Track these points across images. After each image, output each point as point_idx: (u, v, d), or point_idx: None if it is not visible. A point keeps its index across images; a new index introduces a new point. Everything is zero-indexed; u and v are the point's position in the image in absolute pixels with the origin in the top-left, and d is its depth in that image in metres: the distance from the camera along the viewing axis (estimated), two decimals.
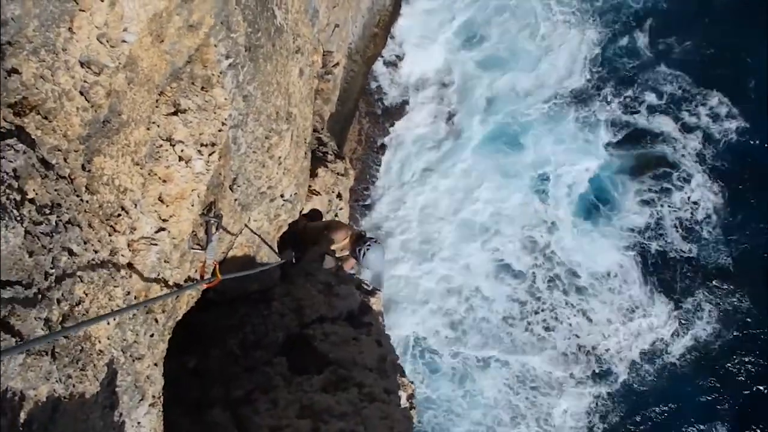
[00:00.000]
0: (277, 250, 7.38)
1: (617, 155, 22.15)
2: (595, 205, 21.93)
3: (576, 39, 22.43)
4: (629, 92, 22.35)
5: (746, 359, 21.27)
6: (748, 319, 21.42)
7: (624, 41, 22.72)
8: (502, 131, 21.80)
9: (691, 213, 21.98)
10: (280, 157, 6.49)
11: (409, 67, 20.85)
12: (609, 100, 22.30)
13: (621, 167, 22.16)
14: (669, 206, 21.93)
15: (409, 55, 20.90)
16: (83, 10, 2.88)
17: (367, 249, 7.56)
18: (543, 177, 21.78)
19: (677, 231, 21.82)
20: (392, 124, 20.69)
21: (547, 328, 20.85)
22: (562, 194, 21.70)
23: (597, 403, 20.84)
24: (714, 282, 21.66)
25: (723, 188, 22.01)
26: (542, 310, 20.88)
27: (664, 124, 22.12)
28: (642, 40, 22.66)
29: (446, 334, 20.20)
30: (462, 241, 20.82)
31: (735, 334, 21.32)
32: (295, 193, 7.41)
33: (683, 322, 21.34)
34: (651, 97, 22.25)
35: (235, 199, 5.69)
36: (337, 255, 8.27)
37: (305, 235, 8.44)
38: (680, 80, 22.37)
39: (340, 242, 8.32)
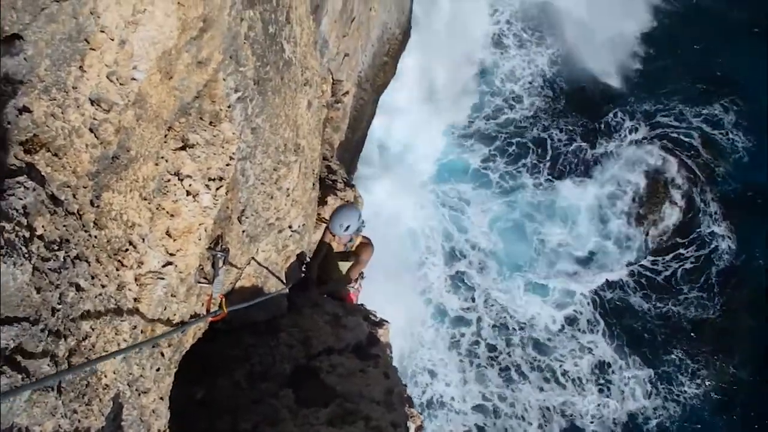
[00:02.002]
0: (284, 281, 7.41)
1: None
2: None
3: None
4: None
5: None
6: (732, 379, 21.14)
7: None
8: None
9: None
10: (288, 189, 6.52)
11: None
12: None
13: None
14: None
15: None
16: (94, 49, 2.93)
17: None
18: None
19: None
20: None
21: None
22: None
23: None
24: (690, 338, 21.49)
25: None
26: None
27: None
28: None
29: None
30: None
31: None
32: (303, 224, 7.44)
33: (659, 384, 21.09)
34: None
35: (243, 231, 5.72)
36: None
37: (325, 264, 8.53)
38: None
39: (366, 264, 8.42)
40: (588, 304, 21.54)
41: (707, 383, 20.95)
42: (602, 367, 20.95)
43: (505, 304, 21.14)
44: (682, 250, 22.22)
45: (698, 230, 22.38)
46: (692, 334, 21.41)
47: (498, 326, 20.90)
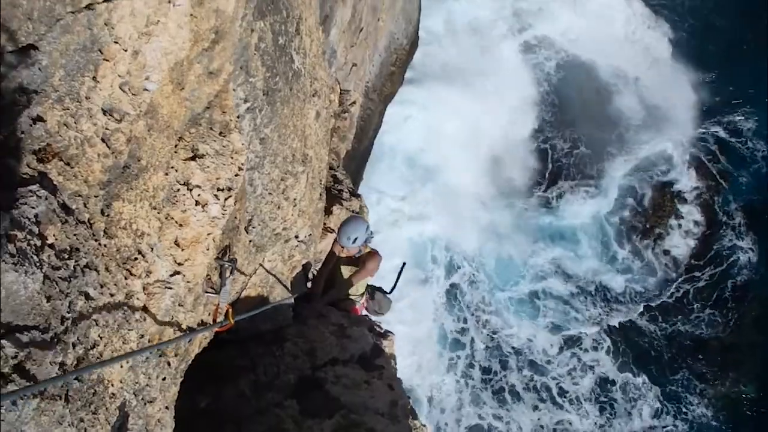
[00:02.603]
0: (290, 290, 7.42)
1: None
2: None
3: None
4: None
5: None
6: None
7: None
8: None
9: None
10: (295, 199, 6.54)
11: None
12: None
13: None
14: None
15: None
16: (107, 60, 2.95)
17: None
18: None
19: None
20: None
21: None
22: None
23: None
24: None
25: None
26: None
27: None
28: None
29: None
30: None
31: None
32: (310, 234, 7.45)
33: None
34: None
35: (250, 241, 5.74)
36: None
37: (332, 274, 8.56)
38: None
39: (374, 273, 8.43)
40: (591, 322, 21.42)
41: (716, 402, 20.78)
42: (605, 385, 20.79)
43: (500, 323, 21.02)
44: (692, 265, 22.11)
45: (712, 245, 22.25)
46: (700, 351, 21.24)
47: (494, 347, 20.77)
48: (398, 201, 21.11)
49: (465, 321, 20.79)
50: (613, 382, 20.88)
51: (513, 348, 20.83)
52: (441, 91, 22.20)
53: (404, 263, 8.98)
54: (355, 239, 7.94)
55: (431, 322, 20.49)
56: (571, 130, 23.55)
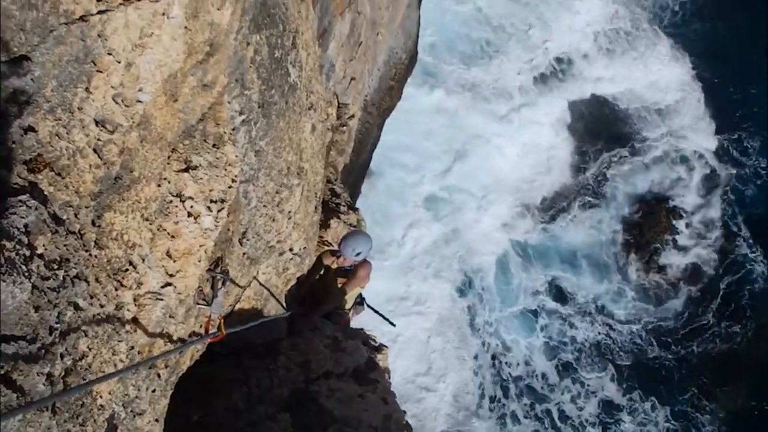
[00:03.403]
0: (285, 304, 7.42)
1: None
2: None
3: None
4: None
5: None
6: None
7: None
8: None
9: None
10: (290, 212, 6.54)
11: None
12: None
13: None
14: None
15: None
16: (101, 71, 2.96)
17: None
18: None
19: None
20: None
21: None
22: None
23: None
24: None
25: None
26: None
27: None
28: None
29: None
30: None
31: None
32: (305, 247, 7.45)
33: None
34: None
35: (244, 253, 5.73)
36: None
37: (324, 282, 8.60)
38: None
39: (365, 282, 8.49)
40: (595, 344, 21.31)
41: (728, 419, 20.63)
42: (610, 410, 20.64)
43: (499, 345, 20.92)
44: (695, 282, 22.04)
45: (716, 260, 22.22)
46: (709, 368, 21.11)
47: (494, 372, 20.65)
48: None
49: (465, 342, 20.67)
50: (619, 407, 20.76)
51: (512, 373, 20.71)
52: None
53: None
54: (359, 253, 8.00)
55: (430, 341, 20.39)
56: (574, 150, 23.53)
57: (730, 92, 24.54)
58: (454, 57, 23.57)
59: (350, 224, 10.38)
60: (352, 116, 14.42)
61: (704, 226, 22.76)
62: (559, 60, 24.59)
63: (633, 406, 20.68)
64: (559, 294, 21.86)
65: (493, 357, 20.74)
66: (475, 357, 20.58)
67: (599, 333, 21.48)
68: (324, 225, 9.69)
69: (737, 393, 20.94)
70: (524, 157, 22.95)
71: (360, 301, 9.02)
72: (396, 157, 21.24)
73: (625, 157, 23.61)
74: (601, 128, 24.03)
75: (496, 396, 20.39)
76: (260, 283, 6.45)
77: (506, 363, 20.73)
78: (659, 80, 24.75)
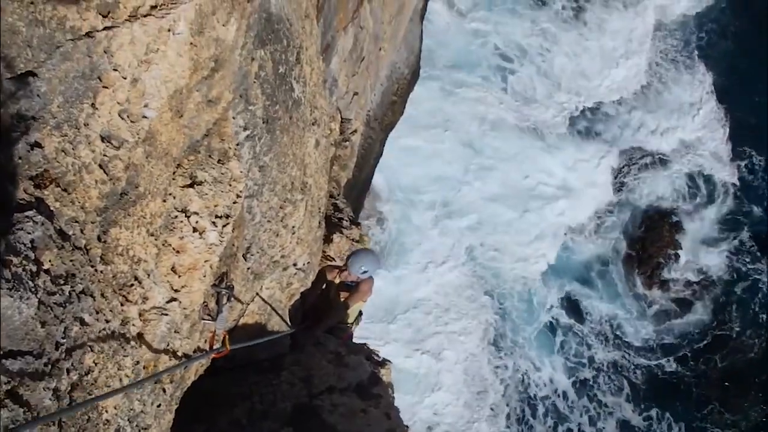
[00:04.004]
0: (288, 319, 7.42)
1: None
2: None
3: None
4: None
5: None
6: None
7: None
8: None
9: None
10: (294, 227, 6.55)
11: None
12: None
13: None
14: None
15: None
16: (106, 87, 2.98)
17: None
18: None
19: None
20: None
21: None
22: None
23: None
24: None
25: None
26: None
27: None
28: None
29: None
30: None
31: None
32: (308, 262, 7.45)
33: None
34: None
35: (248, 268, 5.74)
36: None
37: (325, 303, 8.63)
38: None
39: (367, 296, 8.54)
40: (608, 363, 21.22)
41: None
42: (627, 430, 20.57)
43: (514, 365, 20.84)
44: (704, 294, 21.96)
45: (727, 277, 22.14)
46: (727, 382, 20.98)
47: (511, 392, 20.54)
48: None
49: (484, 360, 20.58)
50: (636, 427, 20.66)
51: (530, 393, 20.61)
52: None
53: None
54: (365, 272, 8.08)
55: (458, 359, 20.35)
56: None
57: (740, 108, 24.57)
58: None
59: (353, 239, 10.38)
60: (355, 131, 14.45)
61: (710, 241, 22.73)
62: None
63: (650, 425, 20.58)
64: (574, 311, 21.75)
65: (508, 376, 20.63)
66: (498, 375, 20.50)
67: (613, 350, 21.37)
68: (327, 240, 9.68)
69: (755, 405, 20.83)
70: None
71: (360, 316, 9.06)
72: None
73: (641, 171, 23.57)
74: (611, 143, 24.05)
75: (511, 416, 20.29)
76: (264, 300, 6.45)
77: (531, 382, 20.63)
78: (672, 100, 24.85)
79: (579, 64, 24.37)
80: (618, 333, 21.63)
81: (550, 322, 21.51)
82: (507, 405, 20.24)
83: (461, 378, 19.92)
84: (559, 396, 20.70)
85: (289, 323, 7.38)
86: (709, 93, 24.86)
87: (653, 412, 20.73)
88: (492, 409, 20.01)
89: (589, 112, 24.21)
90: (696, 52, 25.60)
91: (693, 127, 24.41)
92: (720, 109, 24.60)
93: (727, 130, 24.24)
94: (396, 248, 20.58)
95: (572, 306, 21.84)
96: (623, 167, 23.67)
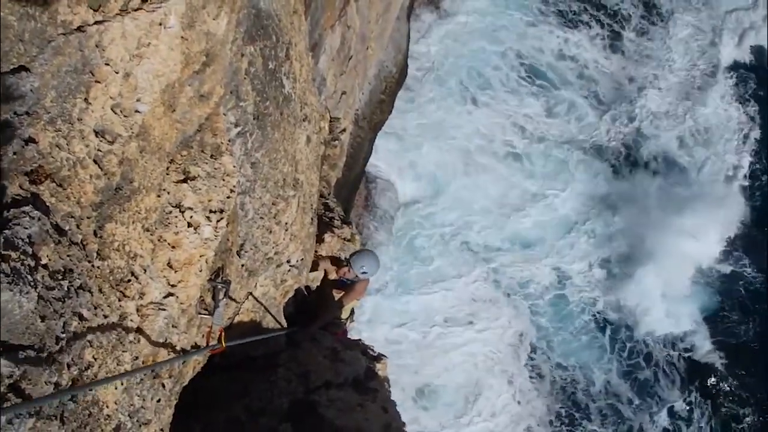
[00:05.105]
0: (283, 317, 7.43)
1: None
2: None
3: None
4: None
5: None
6: None
7: None
8: None
9: None
10: (286, 223, 6.55)
11: None
12: None
13: None
14: None
15: None
16: (99, 82, 2.98)
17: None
18: None
19: None
20: None
21: None
22: None
23: None
24: None
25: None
26: None
27: None
28: None
29: None
30: None
31: None
32: (302, 259, 7.46)
33: None
34: None
35: (242, 265, 5.74)
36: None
37: (320, 299, 8.69)
38: None
39: (362, 294, 8.61)
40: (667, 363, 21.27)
41: None
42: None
43: (567, 366, 20.89)
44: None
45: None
46: None
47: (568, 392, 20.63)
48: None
49: (527, 366, 20.59)
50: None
51: (584, 394, 20.57)
52: None
53: None
54: (365, 272, 8.21)
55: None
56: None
57: None
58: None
59: (344, 238, 10.38)
60: (344, 130, 14.44)
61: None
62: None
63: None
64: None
65: (564, 379, 20.67)
66: (542, 379, 20.52)
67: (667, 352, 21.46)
68: (318, 239, 9.68)
69: None
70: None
71: (352, 313, 9.12)
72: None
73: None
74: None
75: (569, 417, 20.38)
76: (257, 300, 6.46)
77: (576, 385, 20.61)
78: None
79: None
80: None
81: (589, 322, 21.45)
82: (555, 407, 20.22)
83: (505, 386, 19.90)
84: (609, 394, 20.67)
85: (283, 322, 7.40)
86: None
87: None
88: (539, 411, 20.03)
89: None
90: None
91: None
92: None
93: None
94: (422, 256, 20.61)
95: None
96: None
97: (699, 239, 21.99)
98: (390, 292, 19.68)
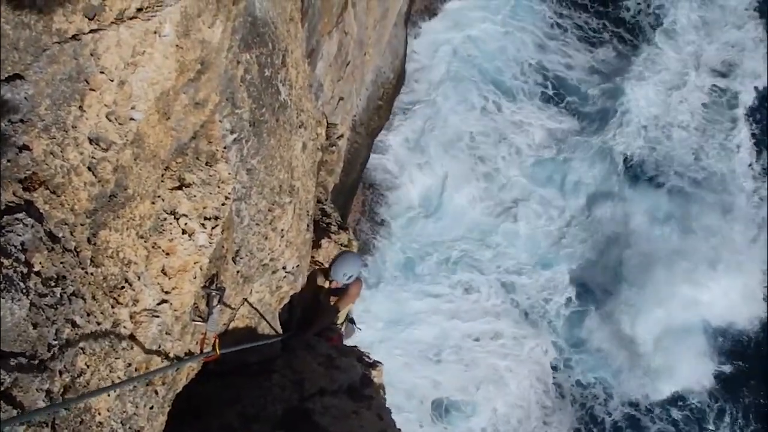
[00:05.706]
0: (278, 323, 7.43)
1: None
2: None
3: None
4: None
5: None
6: None
7: None
8: None
9: None
10: (282, 230, 6.56)
11: None
12: None
13: None
14: None
15: None
16: (94, 90, 2.99)
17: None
18: None
19: None
20: None
21: None
22: None
23: None
24: None
25: None
26: None
27: None
28: None
29: None
30: None
31: None
32: (297, 265, 7.46)
33: None
34: None
35: (238, 271, 5.74)
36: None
37: (316, 306, 8.67)
38: None
39: (356, 298, 8.58)
40: None
41: None
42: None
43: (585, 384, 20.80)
44: None
45: None
46: None
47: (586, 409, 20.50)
48: None
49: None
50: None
51: (601, 410, 20.52)
52: None
53: None
54: (350, 276, 8.11)
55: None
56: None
57: None
58: None
59: (341, 244, 10.39)
60: (341, 136, 14.45)
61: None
62: None
63: None
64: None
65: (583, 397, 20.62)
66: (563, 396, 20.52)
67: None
68: (315, 245, 9.69)
69: None
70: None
71: (351, 319, 9.10)
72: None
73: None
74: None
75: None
76: (252, 306, 6.46)
77: (596, 401, 20.53)
78: None
79: None
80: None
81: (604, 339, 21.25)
82: (575, 424, 20.18)
83: (521, 401, 19.86)
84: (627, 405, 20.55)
85: (278, 329, 7.39)
86: None
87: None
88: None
89: None
90: None
91: None
92: None
93: None
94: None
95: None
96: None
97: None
98: (404, 297, 19.63)
